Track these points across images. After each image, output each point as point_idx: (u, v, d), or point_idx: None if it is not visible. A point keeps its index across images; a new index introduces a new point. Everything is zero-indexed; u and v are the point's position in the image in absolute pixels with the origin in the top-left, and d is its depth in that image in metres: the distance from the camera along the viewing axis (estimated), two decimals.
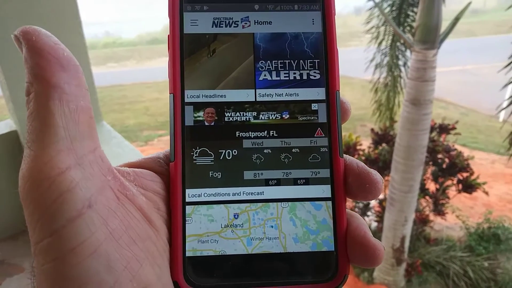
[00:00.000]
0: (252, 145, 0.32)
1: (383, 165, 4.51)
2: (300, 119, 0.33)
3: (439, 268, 4.25)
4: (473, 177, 4.55)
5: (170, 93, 0.33)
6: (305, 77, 0.34)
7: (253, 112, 0.33)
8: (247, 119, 0.32)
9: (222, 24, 0.34)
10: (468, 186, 4.51)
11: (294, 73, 0.34)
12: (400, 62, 5.00)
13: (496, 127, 8.92)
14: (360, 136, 5.27)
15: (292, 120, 0.33)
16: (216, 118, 0.32)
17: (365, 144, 5.26)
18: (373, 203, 4.89)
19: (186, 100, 0.33)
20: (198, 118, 0.32)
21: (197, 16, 0.34)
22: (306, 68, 0.34)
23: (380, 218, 4.61)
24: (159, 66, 16.42)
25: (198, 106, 0.32)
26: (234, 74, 0.33)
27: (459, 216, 5.04)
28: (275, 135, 0.32)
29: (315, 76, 0.34)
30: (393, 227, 3.90)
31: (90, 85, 1.96)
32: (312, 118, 0.33)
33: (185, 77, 0.33)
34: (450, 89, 12.63)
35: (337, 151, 0.32)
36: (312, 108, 0.33)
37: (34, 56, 0.26)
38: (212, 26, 0.34)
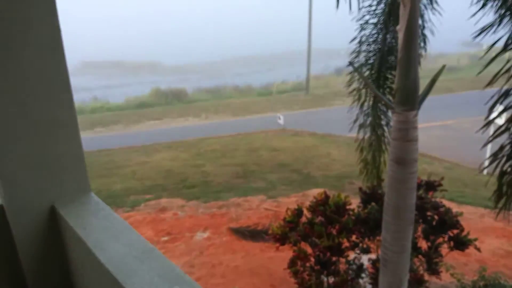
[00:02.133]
0: None
1: (373, 225, 4.48)
2: None
3: None
4: (463, 234, 4.53)
5: None
6: None
7: None
8: None
9: None
10: (460, 243, 4.48)
11: None
12: (383, 122, 5.16)
13: (481, 181, 9.03)
14: (349, 195, 5.28)
15: None
16: None
17: (355, 202, 5.27)
18: (366, 263, 4.79)
19: None
20: None
21: None
22: None
23: (374, 280, 4.49)
24: (146, 130, 16.58)
25: None
26: None
27: (454, 275, 4.95)
28: None
29: None
30: None
31: (78, 150, 1.96)
32: None
33: None
34: (433, 144, 12.96)
35: None
36: None
37: None
38: None
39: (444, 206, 4.73)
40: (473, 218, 7.97)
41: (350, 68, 5.27)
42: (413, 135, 3.57)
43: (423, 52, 5.01)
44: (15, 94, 1.77)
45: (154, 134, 15.34)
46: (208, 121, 18.40)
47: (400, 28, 3.59)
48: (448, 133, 14.80)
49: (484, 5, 3.87)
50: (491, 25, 3.67)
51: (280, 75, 26.99)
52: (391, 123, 5.03)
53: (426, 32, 5.09)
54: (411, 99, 3.55)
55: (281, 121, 14.89)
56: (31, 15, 1.72)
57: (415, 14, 3.47)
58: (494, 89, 3.45)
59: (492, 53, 3.48)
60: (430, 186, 4.65)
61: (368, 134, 5.28)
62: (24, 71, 1.72)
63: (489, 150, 8.82)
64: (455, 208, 5.48)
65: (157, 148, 12.98)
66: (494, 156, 2.37)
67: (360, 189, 5.02)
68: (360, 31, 4.89)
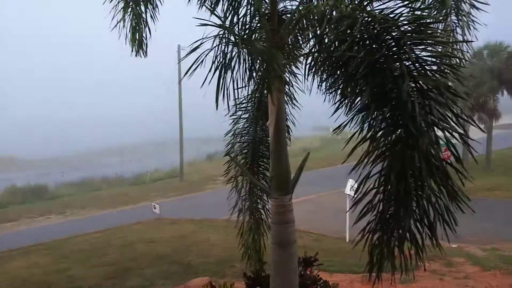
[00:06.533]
0: None
1: None
2: None
3: None
4: None
5: None
6: None
7: None
8: None
9: None
10: None
11: None
12: (260, 206, 5.52)
13: (346, 248, 9.90)
14: (232, 280, 5.32)
15: None
16: None
17: (239, 286, 5.30)
18: None
19: None
20: None
21: None
22: None
23: None
24: None
25: None
26: None
27: None
28: None
29: None
30: None
31: None
32: None
33: None
34: (300, 218, 13.91)
35: None
36: None
37: None
38: None
39: (321, 279, 5.11)
40: (345, 285, 8.61)
41: (221, 154, 5.62)
42: (290, 217, 3.95)
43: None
44: None
45: (8, 239, 13.32)
46: (74, 217, 16.82)
47: (270, 123, 4.09)
48: (312, 207, 16.05)
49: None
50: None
51: (153, 164, 26.68)
52: (267, 207, 5.44)
53: (288, 122, 5.84)
54: (285, 185, 3.98)
55: (156, 210, 14.40)
56: None
57: (282, 112, 4.01)
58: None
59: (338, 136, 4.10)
60: (308, 262, 5.01)
61: (247, 218, 5.56)
62: None
63: (348, 218, 9.96)
64: (328, 277, 5.89)
65: (11, 255, 11.19)
66: (363, 231, 2.81)
67: (245, 274, 5.12)
68: (234, 124, 5.37)
